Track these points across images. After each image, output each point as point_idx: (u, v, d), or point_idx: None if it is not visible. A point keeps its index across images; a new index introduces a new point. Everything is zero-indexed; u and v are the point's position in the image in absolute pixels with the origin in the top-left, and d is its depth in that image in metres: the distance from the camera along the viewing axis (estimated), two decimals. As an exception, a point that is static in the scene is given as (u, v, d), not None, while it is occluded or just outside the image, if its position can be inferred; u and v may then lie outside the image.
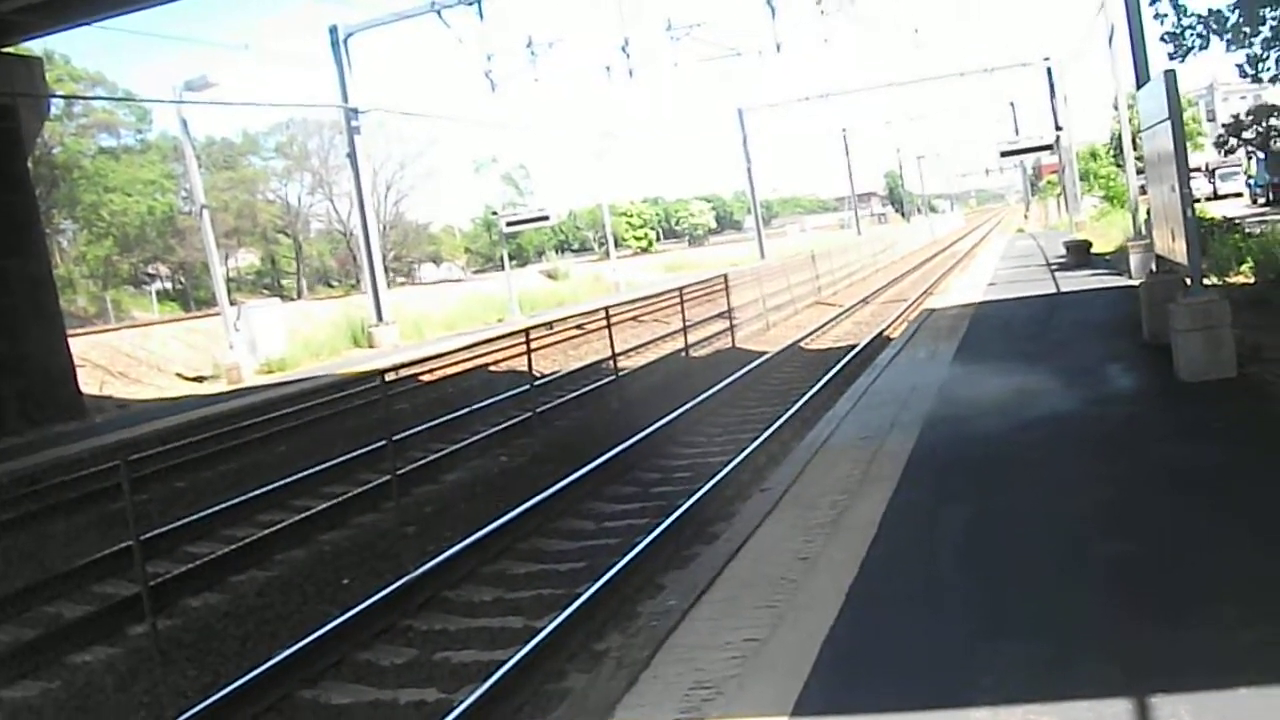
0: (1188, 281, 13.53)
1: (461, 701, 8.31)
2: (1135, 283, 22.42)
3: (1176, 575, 6.89)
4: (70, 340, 32.52)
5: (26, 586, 13.06)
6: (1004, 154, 66.00)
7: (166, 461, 19.42)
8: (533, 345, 22.52)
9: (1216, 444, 10.14)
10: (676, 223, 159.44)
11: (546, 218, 58.00)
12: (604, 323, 26.64)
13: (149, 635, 10.81)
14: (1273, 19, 31.77)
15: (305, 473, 17.74)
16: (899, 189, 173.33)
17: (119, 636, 11.25)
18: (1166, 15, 31.37)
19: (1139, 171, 29.01)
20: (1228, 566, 6.90)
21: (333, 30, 44.45)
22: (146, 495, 16.60)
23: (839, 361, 23.59)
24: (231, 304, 41.38)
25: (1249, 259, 23.55)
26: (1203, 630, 5.98)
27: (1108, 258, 33.32)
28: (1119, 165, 51.86)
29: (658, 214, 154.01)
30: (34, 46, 33.97)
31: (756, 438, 16.42)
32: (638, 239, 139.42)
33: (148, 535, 12.75)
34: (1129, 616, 6.31)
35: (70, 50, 67.59)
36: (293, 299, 69.12)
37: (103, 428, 25.75)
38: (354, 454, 18.53)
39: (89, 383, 33.94)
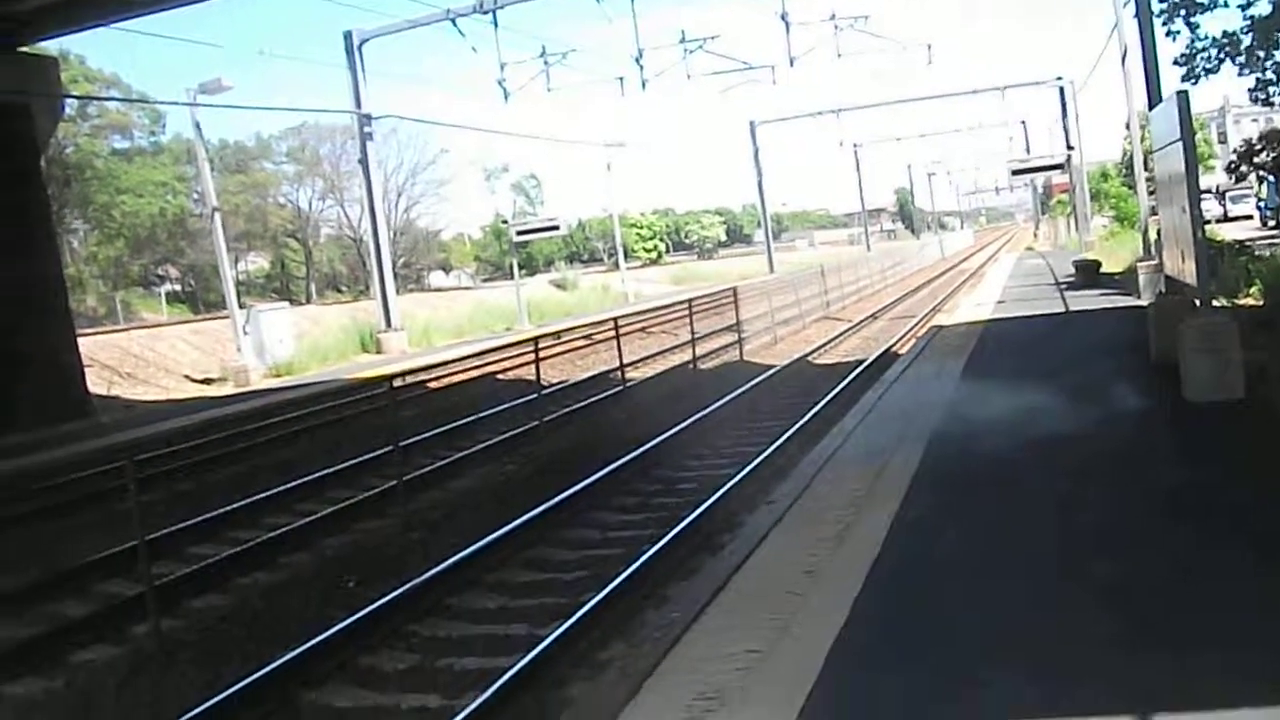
0: (1196, 303, 13.51)
1: (464, 708, 8.32)
2: (1144, 303, 22.39)
3: (1175, 595, 6.89)
4: (79, 340, 32.58)
5: (30, 584, 13.08)
6: (1015, 172, 66.31)
7: (173, 463, 19.45)
8: (541, 354, 22.52)
9: (1222, 466, 10.12)
10: (686, 235, 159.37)
11: (556, 227, 58.02)
12: (612, 333, 26.66)
13: (152, 635, 10.81)
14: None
15: (311, 477, 17.78)
16: (909, 205, 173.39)
17: (122, 636, 11.26)
18: (1180, 32, 31.27)
19: (1150, 192, 29.01)
20: (1225, 588, 6.91)
21: (347, 36, 44.61)
22: (152, 496, 16.62)
23: (846, 376, 23.58)
24: (241, 307, 41.41)
25: (1258, 281, 23.51)
26: (1194, 650, 5.99)
27: (1117, 278, 33.21)
28: (1130, 186, 51.84)
29: (667, 226, 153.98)
30: (50, 46, 34.11)
31: (762, 451, 16.43)
32: (647, 251, 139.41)
33: (153, 536, 12.74)
34: (1125, 635, 6.31)
35: (85, 51, 67.61)
36: (301, 303, 69.18)
37: (110, 428, 25.77)
38: (360, 459, 18.56)
39: (97, 383, 34.02)
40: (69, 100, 47.52)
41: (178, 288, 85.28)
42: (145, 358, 40.67)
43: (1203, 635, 6.21)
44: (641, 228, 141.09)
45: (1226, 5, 31.76)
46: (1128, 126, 38.77)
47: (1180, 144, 13.14)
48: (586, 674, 8.88)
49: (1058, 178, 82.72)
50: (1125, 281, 30.30)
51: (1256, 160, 44.97)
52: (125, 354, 40.22)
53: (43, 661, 10.62)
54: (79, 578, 13.32)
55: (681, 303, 35.54)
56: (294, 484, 17.41)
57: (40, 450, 20.78)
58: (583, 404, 23.61)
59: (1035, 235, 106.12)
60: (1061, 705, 5.53)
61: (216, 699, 8.84)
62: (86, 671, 10.33)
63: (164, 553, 13.64)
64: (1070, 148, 65.81)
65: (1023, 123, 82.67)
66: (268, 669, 9.35)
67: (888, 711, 5.76)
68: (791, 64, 43.18)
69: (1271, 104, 35.15)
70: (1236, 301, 22.41)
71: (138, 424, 24.94)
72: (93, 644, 11.07)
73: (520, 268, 62.57)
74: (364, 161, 47.05)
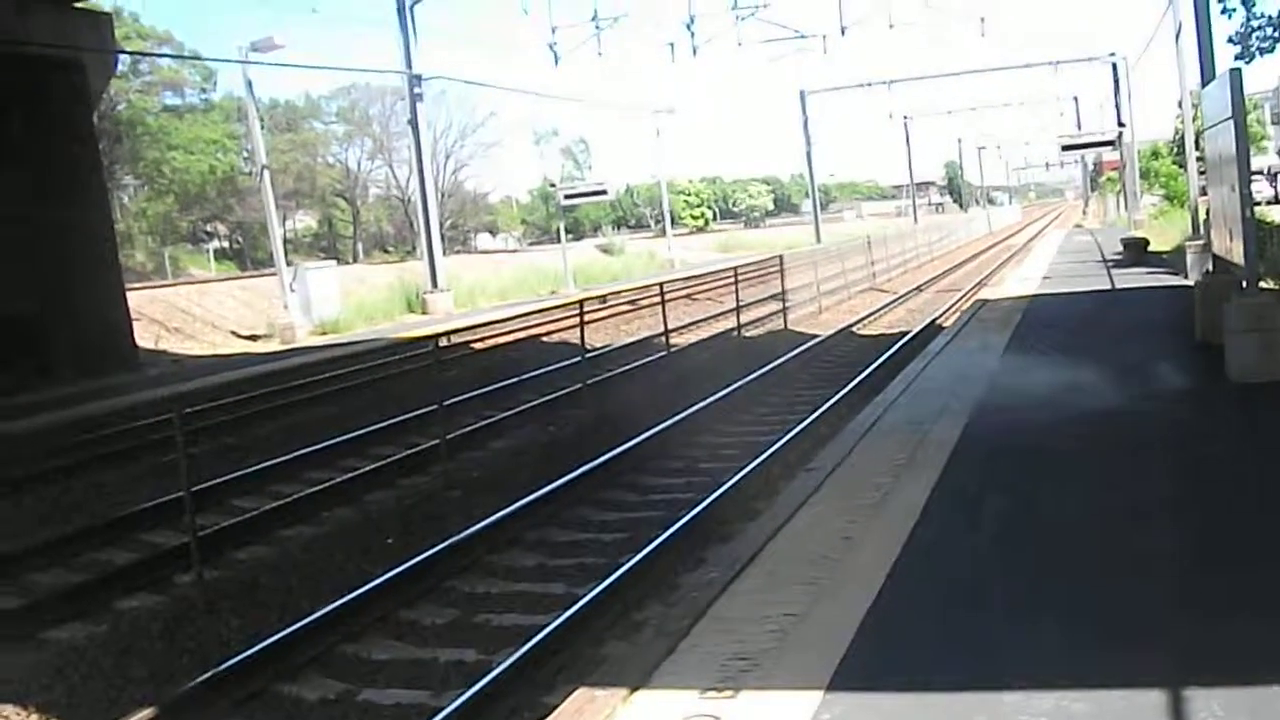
0: (1243, 283, 13.45)
1: (500, 663, 8.42)
2: (1191, 282, 22.26)
3: (1214, 572, 6.91)
4: (128, 294, 32.89)
5: (77, 532, 13.25)
6: (1065, 148, 65.80)
7: (218, 417, 19.63)
8: (585, 318, 22.59)
9: (1261, 446, 10.12)
10: (733, 203, 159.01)
11: (604, 192, 58.17)
12: (658, 299, 26.75)
13: (195, 584, 10.95)
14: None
15: (355, 433, 17.91)
16: (958, 179, 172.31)
17: (166, 584, 11.40)
18: (1235, 10, 30.96)
19: (1200, 172, 28.84)
20: (1257, 569, 6.92)
21: (400, -5, 44.61)
22: (197, 449, 16.76)
23: (890, 347, 23.58)
24: (288, 265, 41.63)
25: (1307, 264, 23.37)
26: (1233, 627, 6.00)
27: (1165, 256, 33.07)
28: (1180, 165, 51.45)
29: (715, 194, 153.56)
30: (103, 2, 34.36)
31: (803, 420, 16.47)
32: (694, 218, 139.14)
33: (197, 488, 12.85)
34: (1165, 610, 6.34)
35: (139, 7, 68.06)
36: (348, 263, 69.51)
37: (156, 381, 26.00)
38: (403, 417, 18.66)
39: (144, 337, 34.38)
40: (121, 56, 47.67)
41: (225, 245, 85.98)
42: (192, 313, 41.01)
43: (1239, 608, 6.24)
44: (689, 195, 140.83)
45: (1285, -17, 31.50)
46: (1179, 105, 38.48)
47: (1231, 122, 13.06)
48: (622, 633, 8.97)
49: (1108, 155, 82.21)
50: (1173, 260, 30.18)
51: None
52: (173, 309, 40.56)
53: (87, 608, 10.76)
54: (123, 527, 13.48)
55: (727, 270, 35.56)
56: (338, 440, 17.53)
57: (86, 401, 20.99)
58: (626, 368, 23.68)
59: (1084, 212, 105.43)
60: (1091, 675, 5.55)
61: (257, 647, 8.98)
62: (130, 618, 10.48)
63: (208, 504, 13.77)
64: (1121, 125, 65.30)
65: (1074, 98, 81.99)
66: (307, 620, 9.48)
67: (921, 677, 5.79)
68: (843, 33, 43.03)
69: (1327, 86, 34.89)
70: (1285, 283, 22.28)
71: (184, 378, 25.13)
72: (136, 591, 11.22)
73: (567, 232, 62.73)
74: (413, 122, 47.11)
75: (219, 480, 15.01)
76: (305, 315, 39.47)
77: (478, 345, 27.00)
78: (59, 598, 10.99)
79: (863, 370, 20.58)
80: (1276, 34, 31.24)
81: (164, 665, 9.30)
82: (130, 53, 60.35)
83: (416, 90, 46.12)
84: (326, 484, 14.82)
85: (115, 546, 12.95)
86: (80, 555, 12.67)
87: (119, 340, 30.39)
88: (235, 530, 12.94)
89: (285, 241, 52.28)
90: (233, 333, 40.22)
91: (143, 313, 36.79)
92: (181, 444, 11.54)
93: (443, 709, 7.80)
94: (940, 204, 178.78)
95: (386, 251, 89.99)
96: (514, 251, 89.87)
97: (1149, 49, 64.03)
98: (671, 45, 44.15)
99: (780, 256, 36.16)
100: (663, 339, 25.32)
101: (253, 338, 39.49)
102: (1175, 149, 63.52)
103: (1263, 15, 31.19)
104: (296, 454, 16.70)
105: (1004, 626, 6.29)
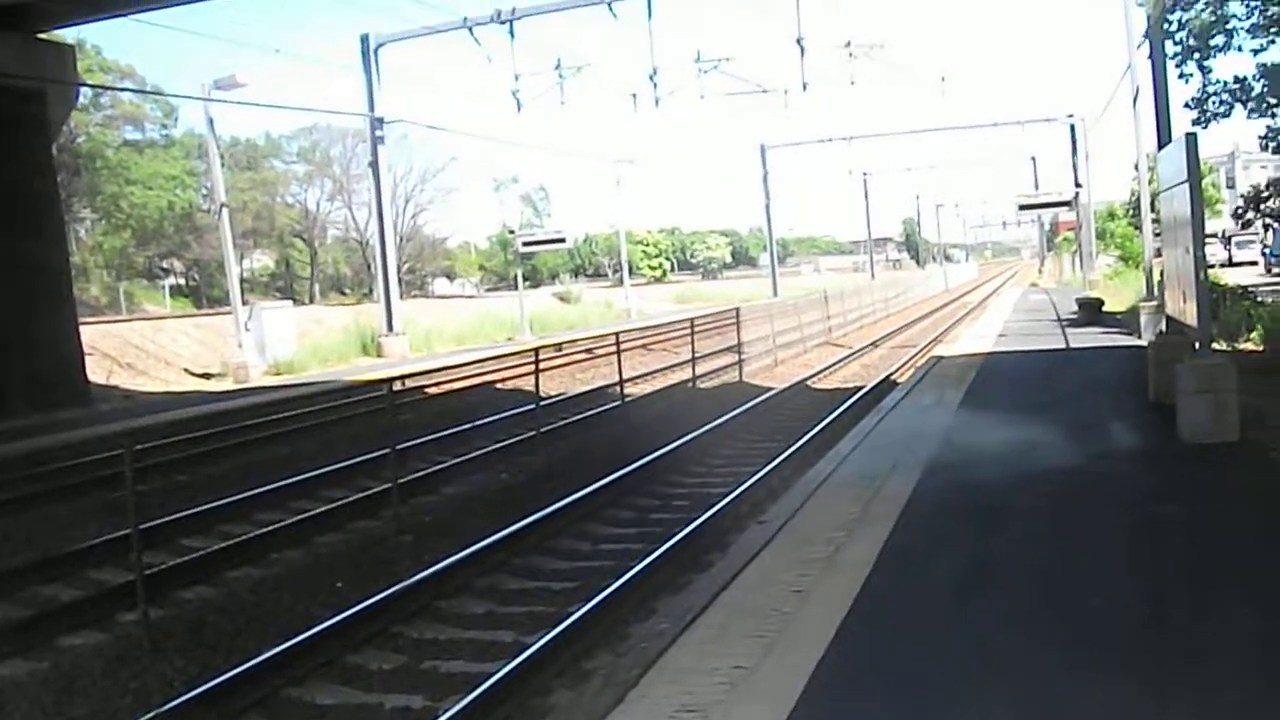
0: (1196, 345, 13.55)
1: (446, 710, 8.35)
2: (1144, 343, 22.43)
3: (1160, 633, 6.94)
4: (81, 328, 32.66)
5: (21, 567, 13.11)
6: (1023, 207, 66.48)
7: (168, 455, 19.47)
8: (541, 366, 22.56)
9: (1211, 505, 10.21)
10: (691, 255, 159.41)
11: (563, 240, 58.29)
12: (613, 348, 26.71)
13: (140, 623, 10.83)
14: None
15: (306, 475, 17.79)
16: (915, 236, 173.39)
17: (110, 622, 11.27)
18: (1192, 75, 31.33)
19: (1155, 234, 29.10)
20: (1207, 624, 6.96)
21: (364, 39, 44.83)
22: (147, 486, 16.64)
23: (845, 402, 23.59)
24: (244, 304, 41.53)
25: (1259, 326, 23.58)
26: (1187, 691, 6.03)
27: (1119, 316, 33.32)
28: (1136, 226, 51.88)
29: (673, 244, 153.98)
30: (67, 35, 34.21)
31: (756, 472, 16.44)
32: (652, 268, 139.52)
33: (145, 525, 12.72)
34: (1108, 670, 6.36)
35: (102, 41, 67.72)
36: (305, 303, 69.27)
37: (107, 416, 25.84)
38: (356, 460, 18.56)
39: (96, 372, 34.16)
40: (83, 89, 47.57)
41: (182, 281, 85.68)
42: (146, 349, 40.78)
43: (1187, 670, 6.26)
44: (647, 245, 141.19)
45: (1240, 50, 31.85)
46: (1136, 167, 38.79)
47: (1187, 185, 13.18)
48: (571, 682, 8.91)
49: (1064, 215, 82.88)
50: (1127, 321, 30.41)
51: (1264, 207, 44.91)
52: (126, 344, 40.35)
53: (29, 644, 10.64)
54: (69, 564, 13.34)
55: (683, 321, 35.65)
56: (289, 481, 17.42)
57: (36, 435, 20.83)
58: (580, 416, 23.63)
59: (1040, 271, 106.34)
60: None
61: (201, 688, 8.88)
62: (73, 656, 10.36)
63: (156, 543, 13.65)
64: (1078, 185, 65.95)
65: (1032, 159, 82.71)
66: (252, 662, 9.39)
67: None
68: (804, 88, 43.18)
69: (1280, 151, 35.24)
70: (1236, 346, 22.49)
71: (136, 414, 24.97)
72: (80, 629, 11.10)
73: (524, 279, 62.79)
74: (374, 165, 47.17)
75: (168, 518, 14.89)
76: (260, 355, 39.39)
77: (432, 390, 26.91)
78: (1, 633, 10.86)
79: (817, 424, 20.56)
80: (1232, 100, 31.63)
81: (106, 704, 9.19)
82: (93, 86, 60.26)
83: (378, 133, 46.20)
84: (276, 525, 14.70)
85: (61, 582, 12.82)
86: (25, 590, 12.53)
87: (71, 374, 30.18)
88: (183, 569, 12.81)
89: (242, 280, 52.18)
90: (186, 370, 40.02)
91: (96, 347, 36.59)
92: (130, 480, 11.44)
93: (387, 755, 7.74)
94: (898, 260, 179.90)
95: (343, 293, 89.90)
96: (471, 297, 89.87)
97: (1107, 111, 64.72)
98: (634, 96, 44.20)
99: (737, 309, 36.19)
100: (617, 388, 25.28)
101: (206, 376, 39.33)
102: (1131, 210, 64.01)
103: (1219, 82, 31.61)
104: (247, 494, 16.57)
105: (951, 685, 6.29)
